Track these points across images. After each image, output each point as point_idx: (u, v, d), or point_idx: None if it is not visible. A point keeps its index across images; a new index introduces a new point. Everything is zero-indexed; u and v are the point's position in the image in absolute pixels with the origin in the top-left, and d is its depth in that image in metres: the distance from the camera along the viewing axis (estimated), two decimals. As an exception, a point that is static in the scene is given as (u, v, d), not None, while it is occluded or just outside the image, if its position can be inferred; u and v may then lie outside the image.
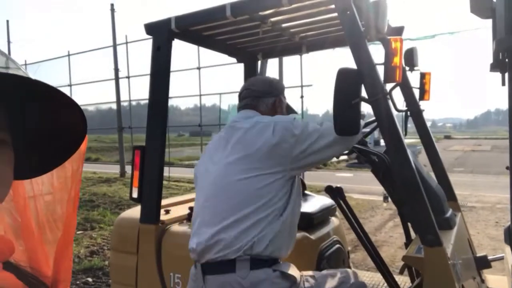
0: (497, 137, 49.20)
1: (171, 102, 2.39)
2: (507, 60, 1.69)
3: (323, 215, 2.47)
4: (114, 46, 12.98)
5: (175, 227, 2.30)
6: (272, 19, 2.23)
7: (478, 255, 2.32)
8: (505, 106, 1.84)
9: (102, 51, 13.84)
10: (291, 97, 8.83)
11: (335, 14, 2.00)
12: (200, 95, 11.45)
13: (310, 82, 8.96)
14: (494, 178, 12.03)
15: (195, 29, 2.31)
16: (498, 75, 1.88)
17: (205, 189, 1.72)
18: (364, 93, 1.59)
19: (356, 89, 1.55)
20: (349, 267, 2.68)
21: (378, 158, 2.02)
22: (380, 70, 1.58)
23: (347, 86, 1.55)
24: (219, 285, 1.55)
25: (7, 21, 15.76)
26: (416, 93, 2.33)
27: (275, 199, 1.58)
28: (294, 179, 1.68)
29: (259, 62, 3.06)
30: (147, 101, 2.36)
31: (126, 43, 12.73)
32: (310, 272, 1.73)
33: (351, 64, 1.62)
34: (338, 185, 2.23)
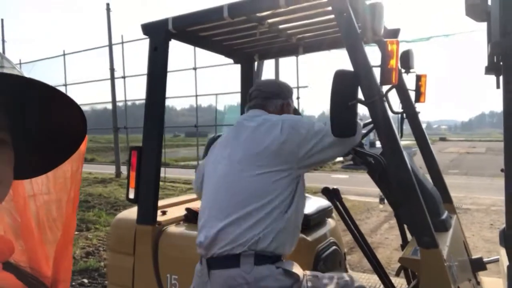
0: (491, 139, 49.52)
1: (166, 103, 2.38)
2: (501, 63, 1.71)
3: (319, 217, 2.48)
4: (110, 46, 12.94)
5: (172, 228, 2.30)
6: (269, 21, 2.24)
7: (473, 257, 2.33)
8: (499, 108, 1.86)
9: (98, 50, 13.82)
10: (287, 99, 8.81)
11: (332, 16, 2.02)
12: (196, 96, 11.45)
13: (306, 83, 8.99)
14: (488, 180, 12.09)
15: (192, 29, 2.31)
16: (493, 77, 1.89)
17: (213, 185, 1.75)
18: (360, 95, 1.60)
19: (353, 91, 1.56)
20: (346, 269, 2.69)
21: (374, 160, 2.03)
22: (376, 72, 1.59)
23: (343, 88, 1.56)
24: (224, 280, 1.57)
25: (1, 20, 15.69)
26: (412, 95, 2.34)
27: (280, 196, 1.61)
28: (299, 178, 1.71)
29: (256, 63, 3.07)
30: (142, 101, 2.37)
31: (122, 43, 12.72)
32: (314, 272, 1.74)
33: (348, 66, 1.64)
34: (335, 187, 2.24)
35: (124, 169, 13.02)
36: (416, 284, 1.85)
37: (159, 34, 2.24)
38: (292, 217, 1.64)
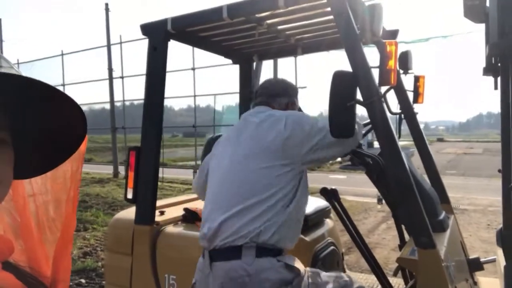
0: (488, 140, 49.68)
1: (164, 103, 2.39)
2: (499, 64, 1.72)
3: (317, 217, 2.48)
4: (108, 46, 12.93)
5: (170, 228, 2.30)
6: (268, 21, 2.24)
7: (470, 257, 2.34)
8: (497, 109, 1.86)
9: (96, 50, 13.80)
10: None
11: (331, 17, 2.02)
12: (195, 96, 11.45)
13: (304, 83, 8.99)
14: (485, 181, 12.12)
15: (191, 30, 2.31)
16: (490, 78, 1.90)
17: (217, 179, 1.77)
18: (359, 96, 1.61)
19: (352, 91, 1.57)
20: (344, 269, 2.69)
21: (372, 160, 2.03)
22: (375, 73, 1.60)
23: (342, 88, 1.56)
24: (225, 272, 1.58)
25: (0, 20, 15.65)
26: (410, 96, 2.35)
27: (283, 190, 1.63)
28: (302, 174, 1.72)
29: (254, 64, 3.07)
30: (140, 101, 2.38)
31: (120, 43, 12.70)
32: (315, 269, 1.75)
33: (346, 67, 1.64)
34: (333, 187, 2.24)
35: (122, 169, 13.01)
36: (413, 284, 1.85)
37: (158, 35, 2.24)
38: (294, 211, 1.66)
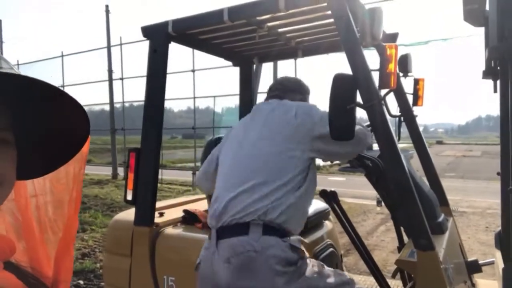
0: (487, 143, 49.73)
1: (164, 104, 2.40)
2: (499, 67, 1.72)
3: (317, 219, 2.49)
4: (108, 47, 12.92)
5: (169, 230, 2.30)
6: (269, 24, 2.25)
7: (469, 259, 2.35)
8: (495, 112, 1.87)
9: (96, 52, 13.79)
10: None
11: (331, 20, 2.03)
12: (194, 98, 11.44)
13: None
14: (484, 184, 12.14)
15: (192, 32, 2.32)
16: (490, 81, 1.91)
17: (228, 162, 1.81)
18: (359, 99, 1.61)
19: (352, 94, 1.57)
20: (342, 271, 2.69)
21: (372, 163, 2.04)
22: (375, 76, 1.60)
23: (343, 91, 1.57)
24: (232, 247, 1.59)
25: (0, 21, 15.65)
26: (410, 98, 2.36)
27: (293, 173, 1.66)
28: (311, 162, 1.75)
29: (254, 66, 3.08)
30: (140, 103, 2.39)
31: (121, 44, 12.69)
32: (320, 262, 1.76)
33: (346, 69, 1.65)
34: (332, 189, 2.25)
35: (120, 171, 12.99)
36: (412, 286, 1.86)
37: (159, 37, 2.24)
38: (302, 196, 1.68)
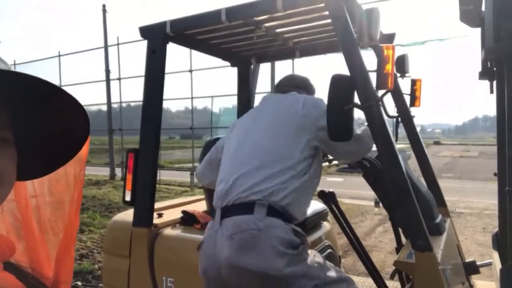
0: (484, 143, 49.89)
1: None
2: (495, 68, 1.73)
3: (315, 220, 2.49)
4: (106, 47, 12.89)
5: (168, 231, 2.29)
6: (267, 24, 2.25)
7: (466, 260, 2.35)
8: (492, 113, 1.88)
9: (94, 52, 13.76)
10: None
11: (329, 21, 2.04)
12: (192, 98, 11.43)
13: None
14: (481, 184, 12.17)
15: (190, 33, 2.32)
16: (486, 82, 1.92)
17: (235, 145, 1.84)
18: (356, 99, 1.62)
19: (349, 95, 1.58)
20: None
21: (369, 163, 2.05)
22: (372, 77, 1.61)
23: (340, 92, 1.57)
24: (236, 224, 1.59)
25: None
26: (407, 99, 2.36)
27: (299, 157, 1.68)
28: (317, 151, 1.77)
29: (252, 66, 3.08)
30: (137, 103, 2.39)
31: (118, 44, 12.66)
32: (322, 255, 1.77)
33: (344, 70, 1.65)
34: (331, 190, 2.26)
35: (118, 171, 12.97)
36: (410, 287, 1.86)
37: (157, 37, 2.24)
38: (307, 182, 1.70)
